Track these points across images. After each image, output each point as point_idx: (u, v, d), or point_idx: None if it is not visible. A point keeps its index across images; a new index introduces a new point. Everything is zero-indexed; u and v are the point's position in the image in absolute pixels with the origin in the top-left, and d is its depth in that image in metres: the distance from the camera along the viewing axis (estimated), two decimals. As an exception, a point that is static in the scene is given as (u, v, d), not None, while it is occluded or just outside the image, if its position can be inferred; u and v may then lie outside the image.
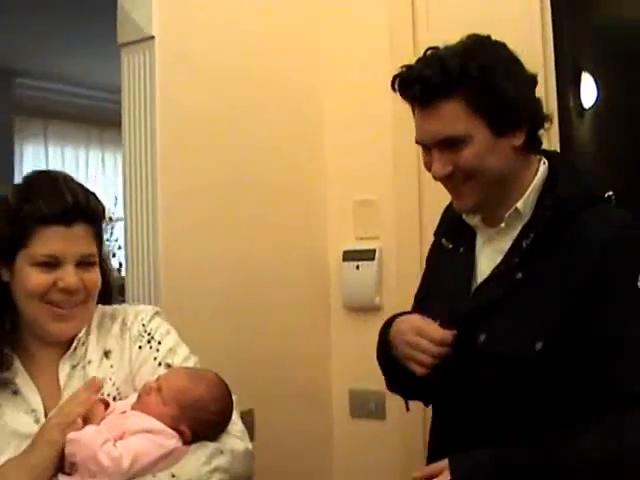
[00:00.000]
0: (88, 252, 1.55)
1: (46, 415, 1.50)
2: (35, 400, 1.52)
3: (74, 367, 1.57)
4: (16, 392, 1.52)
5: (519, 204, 1.62)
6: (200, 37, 2.55)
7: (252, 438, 2.75)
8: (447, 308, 1.67)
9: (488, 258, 1.68)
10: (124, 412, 1.48)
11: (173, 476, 1.42)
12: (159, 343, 1.64)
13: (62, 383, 1.55)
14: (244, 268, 2.68)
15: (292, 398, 2.85)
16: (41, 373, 1.56)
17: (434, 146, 1.61)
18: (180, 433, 1.46)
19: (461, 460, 1.47)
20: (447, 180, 1.63)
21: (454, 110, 1.55)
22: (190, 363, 1.65)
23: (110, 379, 1.58)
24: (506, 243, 1.64)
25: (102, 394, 1.52)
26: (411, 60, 1.66)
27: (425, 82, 1.56)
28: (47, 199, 1.50)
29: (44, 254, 1.50)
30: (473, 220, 1.73)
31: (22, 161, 6.70)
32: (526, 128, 1.60)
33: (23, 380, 1.54)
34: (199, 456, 1.47)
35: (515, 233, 1.63)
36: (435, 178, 1.64)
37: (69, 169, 6.94)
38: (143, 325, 1.66)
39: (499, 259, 1.64)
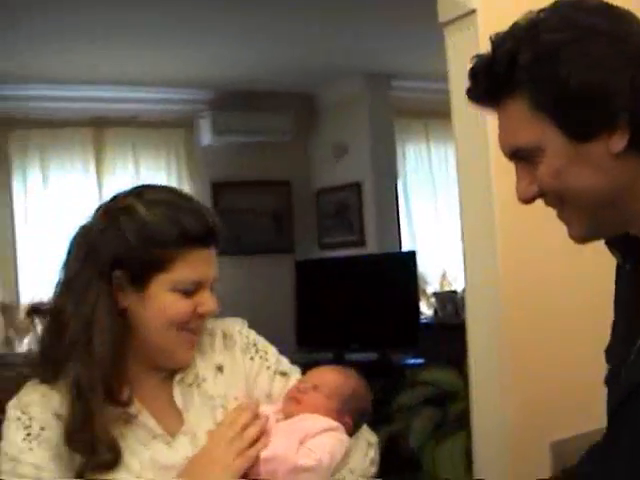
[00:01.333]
0: (217, 276, 1.48)
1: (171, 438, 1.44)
2: (155, 426, 1.44)
3: (189, 386, 1.50)
4: (130, 421, 1.43)
5: None
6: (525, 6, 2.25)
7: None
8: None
9: None
10: (277, 420, 1.49)
11: (351, 472, 1.47)
12: (265, 353, 1.60)
13: (180, 405, 1.48)
14: (596, 287, 2.31)
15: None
16: (152, 399, 1.47)
17: (512, 160, 1.22)
18: (344, 425, 1.50)
19: None
20: (546, 204, 1.21)
21: (518, 112, 1.15)
22: (296, 370, 1.63)
23: (231, 393, 1.52)
24: None
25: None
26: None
27: (474, 79, 1.21)
28: (190, 219, 1.40)
29: (190, 280, 1.41)
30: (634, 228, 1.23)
31: (405, 161, 6.80)
32: (626, 124, 1.10)
33: (136, 409, 1.44)
34: (360, 448, 1.51)
35: None
36: (522, 201, 1.23)
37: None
38: (247, 337, 1.60)
39: None
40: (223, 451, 1.37)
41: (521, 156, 1.20)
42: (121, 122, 6.26)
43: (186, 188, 6.33)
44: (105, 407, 1.37)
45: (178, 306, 1.40)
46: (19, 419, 1.37)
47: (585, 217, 1.19)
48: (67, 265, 1.43)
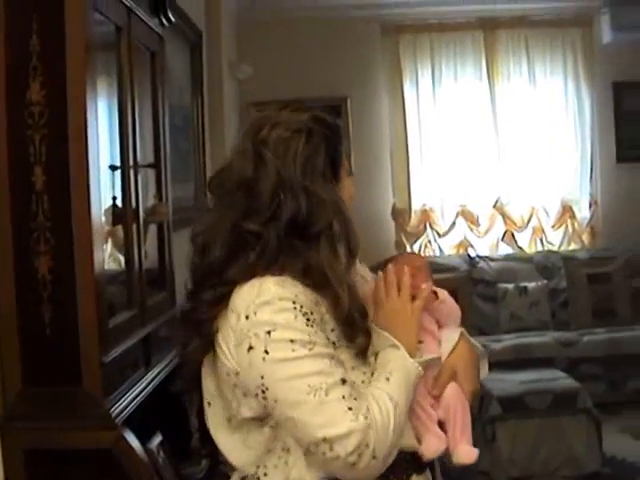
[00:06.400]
0: None
1: None
2: None
3: None
4: None
5: None
6: None
7: None
8: None
9: None
10: None
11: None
12: None
13: None
14: None
15: None
16: None
17: None
18: None
19: None
20: None
21: None
22: None
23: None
24: None
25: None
26: None
27: None
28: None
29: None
30: None
31: None
32: None
33: None
34: None
35: None
36: None
37: None
38: None
39: None
40: (399, 301, 1.58)
41: None
42: (512, 23, 6.00)
43: (584, 89, 6.01)
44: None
45: (353, 186, 1.69)
46: (295, 308, 1.46)
47: None
48: (284, 166, 1.53)
